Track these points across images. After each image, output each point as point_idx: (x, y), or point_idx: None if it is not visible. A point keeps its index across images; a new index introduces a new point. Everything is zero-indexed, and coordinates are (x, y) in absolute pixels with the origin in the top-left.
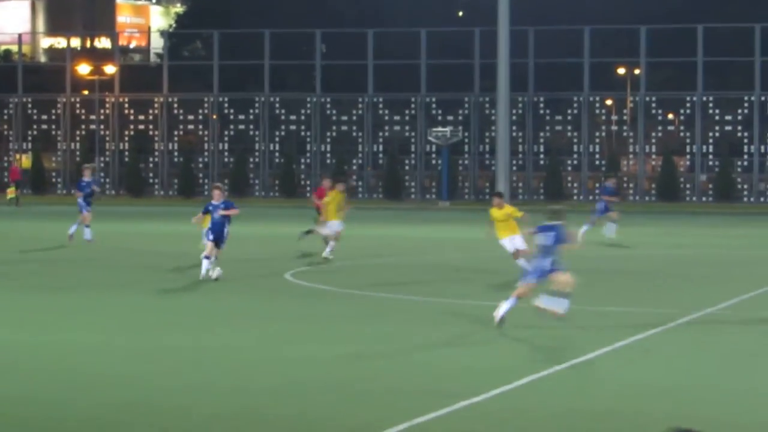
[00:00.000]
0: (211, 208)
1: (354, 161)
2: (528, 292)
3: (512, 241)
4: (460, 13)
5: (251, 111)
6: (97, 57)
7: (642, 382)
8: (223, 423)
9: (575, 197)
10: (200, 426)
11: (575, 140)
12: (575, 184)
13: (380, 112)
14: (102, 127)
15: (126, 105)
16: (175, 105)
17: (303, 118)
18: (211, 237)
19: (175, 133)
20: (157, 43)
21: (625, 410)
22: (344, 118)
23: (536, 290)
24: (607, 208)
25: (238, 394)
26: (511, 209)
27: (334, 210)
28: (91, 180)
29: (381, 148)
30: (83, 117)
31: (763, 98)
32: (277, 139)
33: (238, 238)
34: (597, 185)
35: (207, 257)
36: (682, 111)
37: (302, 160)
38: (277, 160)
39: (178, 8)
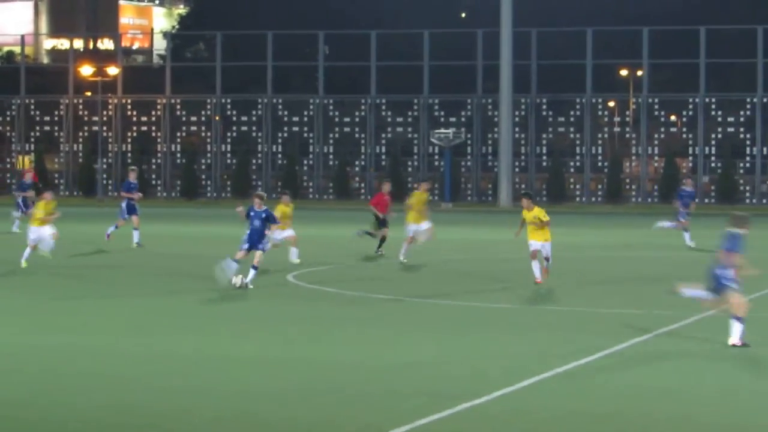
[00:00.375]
0: (252, 214)
1: (357, 163)
2: (714, 306)
3: (543, 247)
4: (463, 15)
5: (254, 112)
6: (100, 58)
7: (644, 384)
8: (225, 425)
9: (577, 199)
10: (202, 428)
11: (578, 142)
12: (578, 186)
13: (383, 113)
14: (104, 128)
15: (129, 106)
16: (178, 106)
17: (306, 119)
18: (246, 246)
19: (178, 134)
20: (160, 45)
21: (627, 412)
22: (347, 119)
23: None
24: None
25: (240, 397)
26: (539, 211)
27: (421, 211)
28: (136, 182)
29: (384, 149)
30: (86, 118)
31: (765, 100)
32: (279, 140)
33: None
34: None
35: (236, 261)
36: (684, 112)
37: (305, 162)
38: (279, 162)
39: (181, 10)
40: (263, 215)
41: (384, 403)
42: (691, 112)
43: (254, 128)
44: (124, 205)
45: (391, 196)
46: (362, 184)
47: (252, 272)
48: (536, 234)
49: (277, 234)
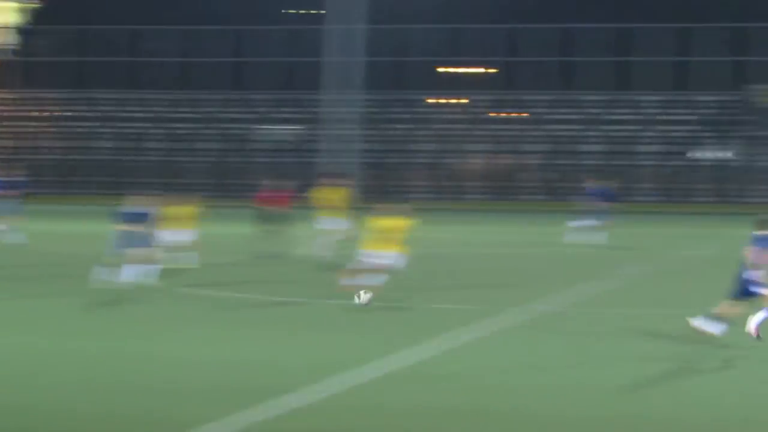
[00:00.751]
0: (127, 213)
1: (191, 158)
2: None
3: (394, 258)
4: (310, 12)
5: (96, 108)
6: None
7: (473, 380)
8: (36, 418)
9: (414, 196)
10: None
11: (415, 139)
12: (414, 183)
13: (220, 109)
14: None
15: None
16: (20, 102)
17: (146, 115)
18: (127, 249)
19: (21, 130)
20: (7, 40)
21: (463, 407)
22: (185, 115)
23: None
24: (605, 212)
25: (56, 390)
26: (407, 221)
27: (339, 207)
28: (18, 180)
29: (219, 145)
30: None
31: (598, 98)
32: (121, 136)
33: (80, 236)
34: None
35: (136, 265)
36: (519, 110)
37: (140, 158)
38: (119, 158)
39: (32, 4)
40: (138, 214)
41: (209, 398)
42: (526, 110)
43: (96, 124)
44: (13, 203)
45: (281, 191)
46: (198, 181)
47: (144, 269)
48: (390, 243)
49: (171, 235)
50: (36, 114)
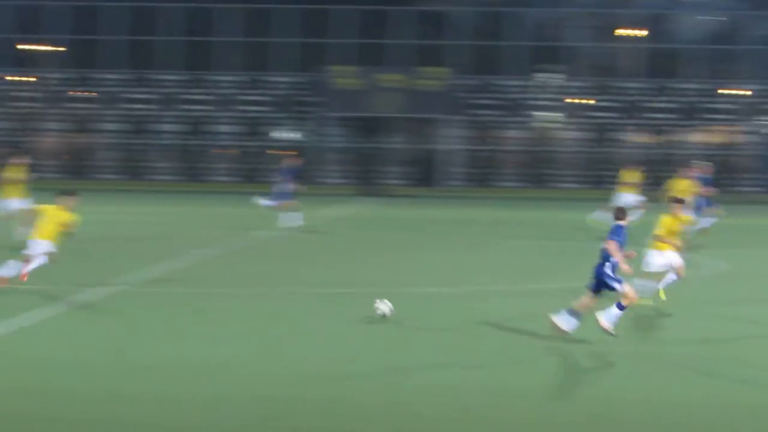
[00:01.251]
0: None
1: None
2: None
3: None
4: None
5: None
6: None
7: (44, 358)
8: None
9: None
10: None
11: None
12: None
13: None
14: None
15: None
16: None
17: None
18: None
19: None
20: None
21: (30, 386)
22: None
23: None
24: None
25: None
26: (68, 214)
27: (16, 186)
28: None
29: None
30: None
31: (174, 77)
32: None
33: None
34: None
35: None
36: (95, 89)
37: None
38: None
39: None
40: None
41: None
42: (107, 90)
43: None
44: None
45: None
46: None
47: None
48: (47, 232)
49: None
50: None
